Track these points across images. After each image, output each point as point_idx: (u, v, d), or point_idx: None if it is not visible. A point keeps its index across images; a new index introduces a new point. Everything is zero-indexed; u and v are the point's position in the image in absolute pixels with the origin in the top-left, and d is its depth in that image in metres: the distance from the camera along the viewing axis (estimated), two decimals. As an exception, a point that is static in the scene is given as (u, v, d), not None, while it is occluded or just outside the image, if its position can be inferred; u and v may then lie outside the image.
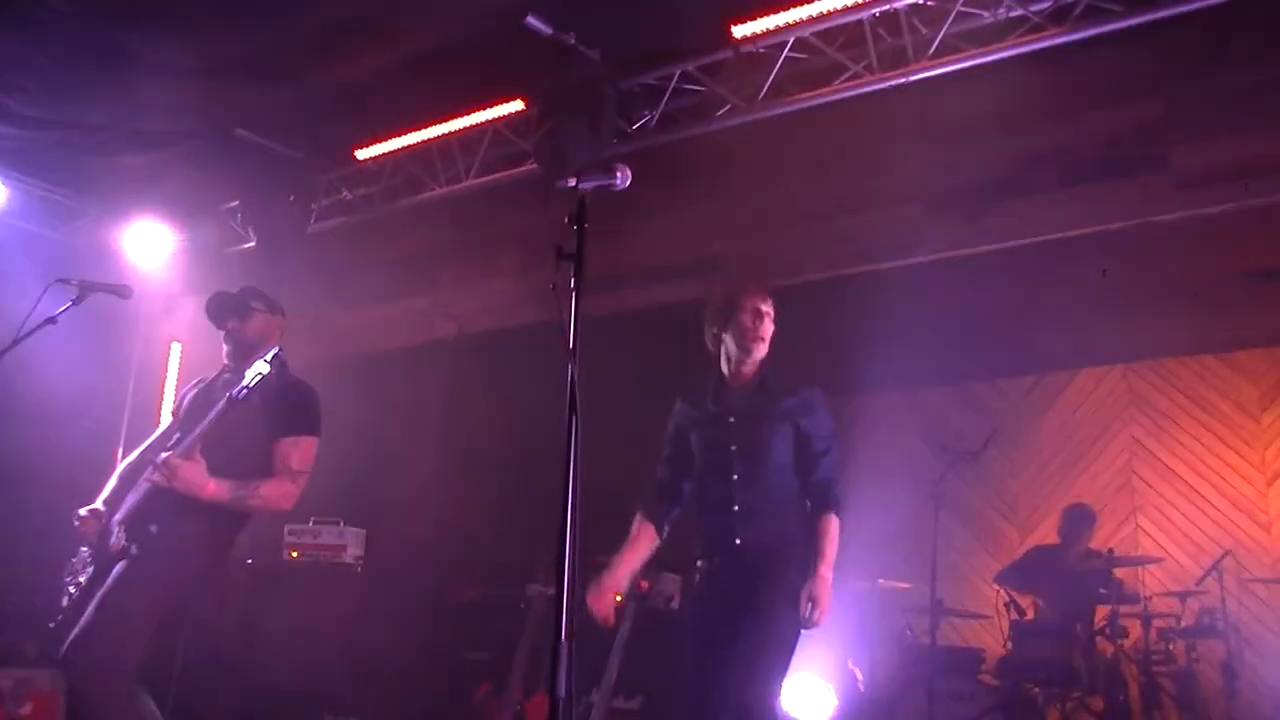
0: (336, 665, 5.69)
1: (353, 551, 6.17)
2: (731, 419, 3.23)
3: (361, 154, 6.40)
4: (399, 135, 6.20)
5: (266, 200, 6.86)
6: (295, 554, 6.16)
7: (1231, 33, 4.48)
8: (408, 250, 7.10)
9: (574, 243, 1.97)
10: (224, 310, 3.56)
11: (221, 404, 3.13)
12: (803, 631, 2.98)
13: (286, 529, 6.21)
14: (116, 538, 3.21)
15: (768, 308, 3.26)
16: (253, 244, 7.10)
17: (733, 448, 3.17)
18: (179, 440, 3.31)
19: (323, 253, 7.13)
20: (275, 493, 3.30)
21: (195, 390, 3.66)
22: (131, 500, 3.32)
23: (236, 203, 7.11)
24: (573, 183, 2.06)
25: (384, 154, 6.39)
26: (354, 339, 7.36)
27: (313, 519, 6.22)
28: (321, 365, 7.39)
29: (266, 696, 5.60)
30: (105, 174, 6.68)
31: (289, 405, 3.40)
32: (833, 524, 3.09)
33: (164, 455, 3.16)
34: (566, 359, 1.87)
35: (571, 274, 1.91)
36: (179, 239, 7.33)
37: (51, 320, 3.57)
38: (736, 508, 3.10)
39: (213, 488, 3.17)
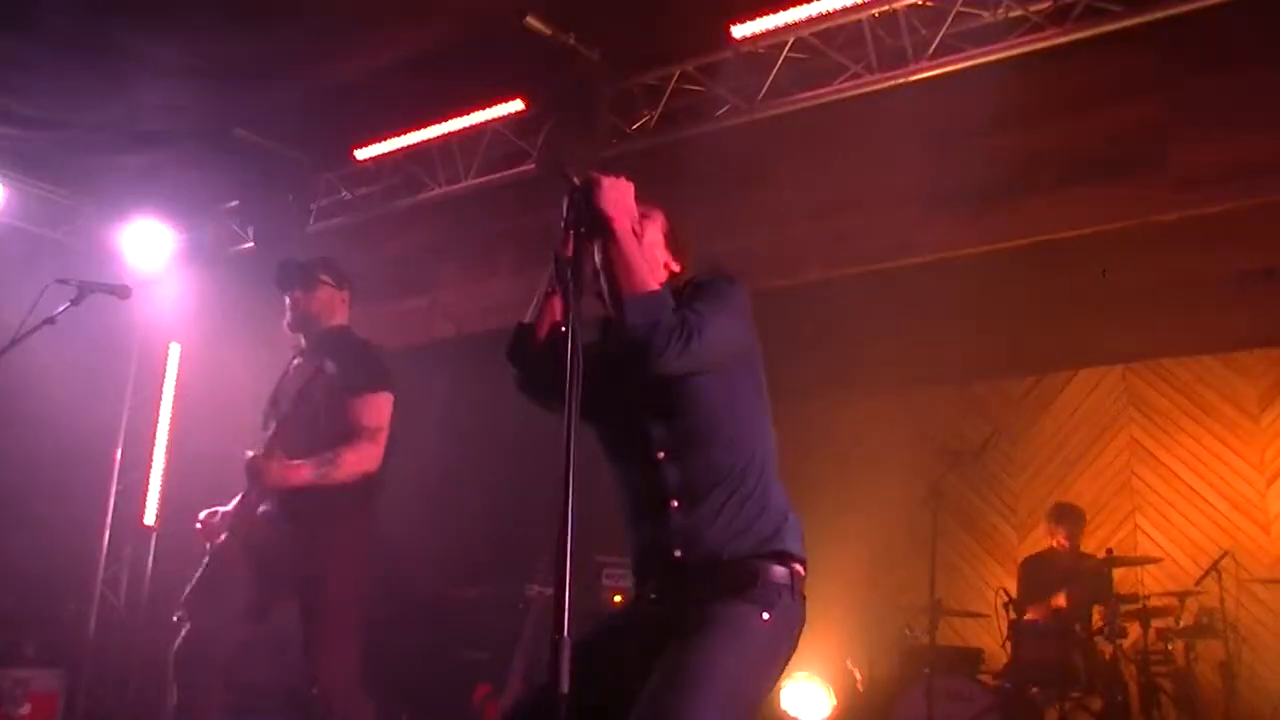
0: (336, 665, 5.68)
1: (352, 551, 6.15)
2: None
3: (361, 154, 6.39)
4: (398, 135, 6.20)
5: (266, 200, 6.86)
6: (295, 554, 6.15)
7: (1231, 33, 4.48)
8: (407, 250, 7.10)
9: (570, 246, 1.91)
10: (291, 279, 3.62)
11: (293, 395, 3.25)
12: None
13: (286, 529, 6.20)
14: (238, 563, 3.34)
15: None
16: (252, 244, 7.10)
17: (644, 405, 2.04)
18: (272, 431, 3.38)
19: (322, 253, 7.12)
20: (356, 457, 3.30)
21: (279, 377, 3.66)
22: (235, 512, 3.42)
23: (236, 203, 7.11)
24: (576, 183, 2.00)
25: (383, 154, 6.39)
26: (353, 339, 7.35)
27: (312, 519, 6.22)
28: (321, 365, 7.41)
29: (266, 696, 5.60)
30: (105, 174, 6.67)
31: (352, 363, 3.44)
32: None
33: (248, 457, 3.24)
34: (569, 362, 1.71)
35: (571, 278, 1.86)
36: (179, 239, 7.33)
37: (50, 320, 3.57)
38: (675, 502, 2.00)
39: (293, 477, 3.22)
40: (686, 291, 2.10)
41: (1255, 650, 5.66)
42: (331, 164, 6.70)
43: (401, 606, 6.24)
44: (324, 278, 3.68)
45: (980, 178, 4.98)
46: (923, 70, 4.85)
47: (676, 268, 2.25)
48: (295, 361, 3.63)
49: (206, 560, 3.40)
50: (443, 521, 6.64)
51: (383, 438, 3.40)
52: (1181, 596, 5.31)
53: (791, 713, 5.75)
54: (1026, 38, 4.63)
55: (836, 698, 5.74)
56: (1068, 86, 4.87)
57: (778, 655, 1.93)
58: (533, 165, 5.90)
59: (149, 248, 7.16)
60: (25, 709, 5.48)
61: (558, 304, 2.00)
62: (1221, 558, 5.45)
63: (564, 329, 1.78)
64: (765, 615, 1.89)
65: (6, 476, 6.16)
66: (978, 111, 4.84)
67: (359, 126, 6.19)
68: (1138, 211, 4.77)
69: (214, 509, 3.49)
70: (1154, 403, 6.44)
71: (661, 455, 2.03)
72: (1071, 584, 5.32)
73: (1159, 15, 4.35)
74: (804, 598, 2.01)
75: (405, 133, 6.18)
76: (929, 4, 4.77)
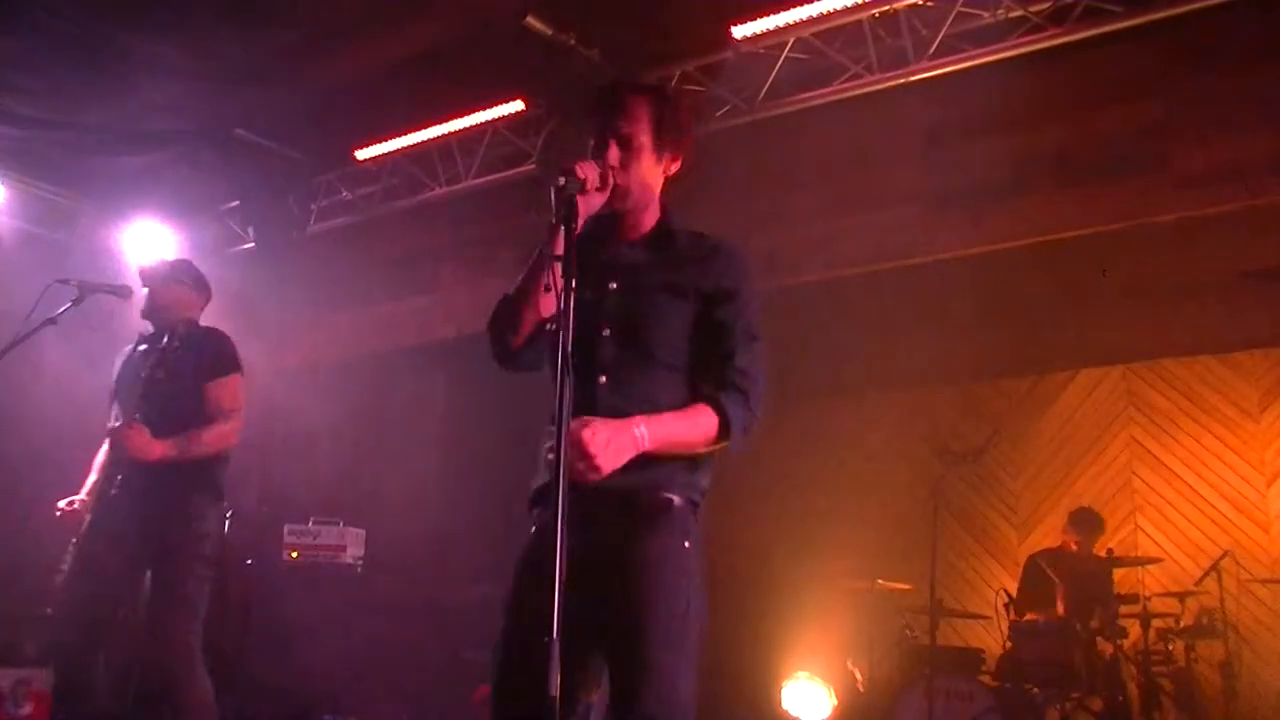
0: (336, 665, 5.69)
1: (353, 551, 6.16)
2: (614, 284, 2.13)
3: (361, 154, 6.40)
4: (399, 135, 6.20)
5: (266, 200, 6.86)
6: (295, 554, 6.16)
7: (1231, 33, 4.48)
8: (407, 250, 7.10)
9: (562, 243, 1.87)
10: (149, 274, 3.79)
11: (144, 375, 3.44)
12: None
13: (286, 529, 6.21)
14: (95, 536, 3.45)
15: (628, 124, 2.12)
16: (252, 244, 7.10)
17: (605, 331, 2.08)
18: (119, 412, 3.57)
19: (322, 253, 7.13)
20: (215, 435, 3.54)
21: (122, 361, 3.82)
22: (95, 482, 3.60)
23: (236, 203, 7.11)
24: (561, 182, 1.91)
25: (384, 154, 6.39)
26: (354, 339, 7.35)
27: (313, 519, 6.22)
28: (321, 365, 7.42)
29: (266, 696, 5.60)
30: (105, 174, 6.68)
31: (206, 351, 3.64)
32: (706, 414, 2.02)
33: (110, 428, 3.45)
34: (561, 361, 1.75)
35: (562, 274, 1.85)
36: (179, 239, 7.33)
37: (51, 321, 3.58)
38: None
39: (158, 449, 3.39)
40: (703, 254, 2.16)
41: (1256, 650, 5.65)
42: (332, 164, 6.70)
43: (402, 606, 6.25)
44: (181, 277, 3.84)
45: (980, 178, 4.99)
46: (923, 70, 4.85)
47: (675, 167, 2.22)
48: (141, 348, 3.74)
49: (73, 550, 3.51)
50: (443, 521, 6.65)
51: (238, 418, 3.62)
52: (1182, 596, 5.31)
53: (792, 713, 5.75)
54: (1026, 38, 4.63)
55: (837, 698, 5.74)
56: (1068, 86, 4.87)
57: (702, 574, 2.05)
58: (533, 165, 5.90)
59: (149, 248, 7.16)
60: (26, 709, 5.48)
61: (549, 299, 1.99)
62: (1222, 558, 5.45)
63: (556, 326, 1.78)
64: (687, 544, 2.03)
65: (8, 476, 6.16)
66: (978, 111, 4.84)
67: (359, 126, 6.19)
68: (1138, 211, 4.77)
69: (72, 498, 3.58)
70: (1154, 403, 6.44)
71: (603, 379, 2.07)
72: (1073, 586, 5.31)
73: (1159, 15, 4.35)
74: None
75: (405, 133, 6.18)
76: (929, 4, 4.77)
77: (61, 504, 3.57)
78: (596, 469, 1.85)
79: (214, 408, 3.57)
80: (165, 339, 3.53)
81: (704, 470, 2.13)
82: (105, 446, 3.73)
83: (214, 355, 3.64)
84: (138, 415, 3.41)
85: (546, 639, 1.58)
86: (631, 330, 2.09)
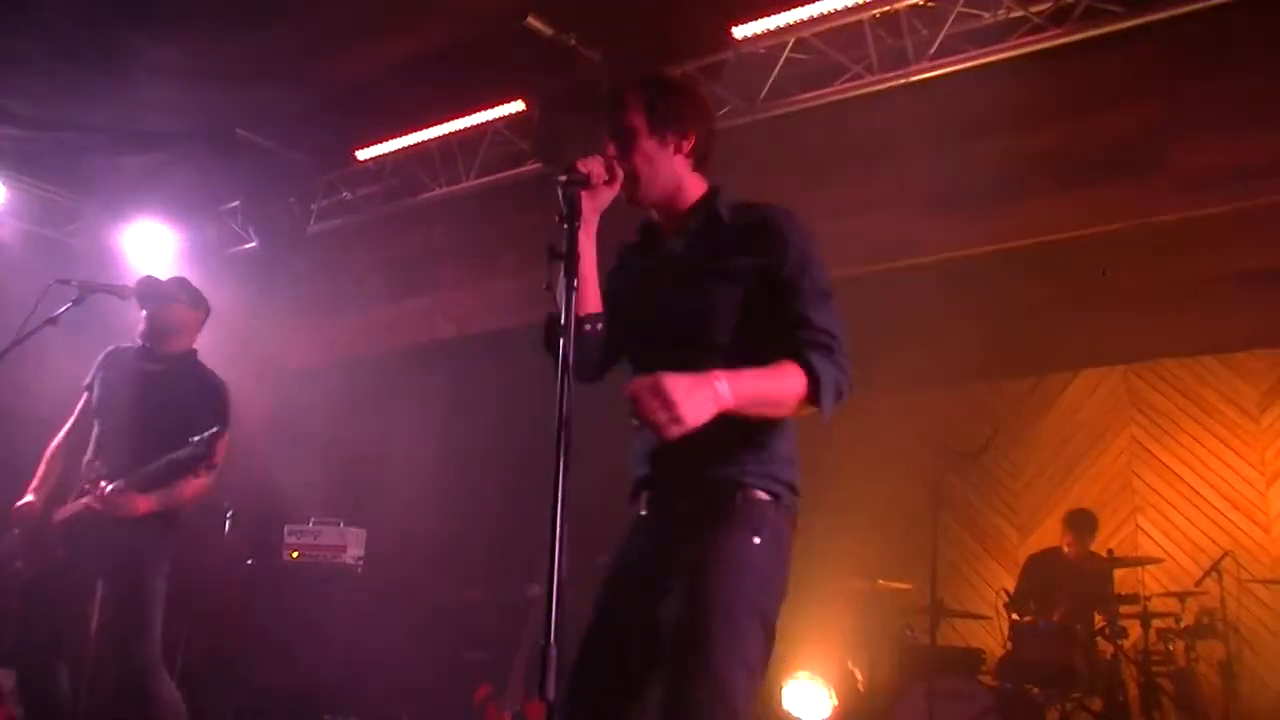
0: (336, 665, 5.69)
1: (353, 551, 6.16)
2: (667, 276, 2.11)
3: (361, 154, 6.40)
4: (399, 135, 6.20)
5: (266, 200, 6.86)
6: (295, 554, 6.16)
7: (1232, 33, 4.48)
8: (408, 251, 7.10)
9: (565, 242, 1.86)
10: (147, 295, 3.76)
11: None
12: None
13: (286, 529, 6.21)
14: (57, 547, 3.56)
15: (619, 115, 2.16)
16: (253, 244, 7.10)
17: (668, 325, 2.08)
18: (105, 431, 3.63)
19: (323, 253, 7.13)
20: (194, 489, 3.62)
21: (110, 369, 3.81)
22: (71, 512, 3.60)
23: (236, 203, 7.11)
24: (563, 179, 1.91)
25: (384, 154, 6.39)
26: (354, 339, 7.35)
27: (313, 519, 6.22)
28: (322, 366, 7.42)
29: (266, 696, 5.60)
30: (105, 174, 6.68)
31: (205, 401, 3.67)
32: (792, 370, 1.90)
33: (105, 489, 3.45)
34: (560, 360, 1.75)
35: (563, 273, 1.85)
36: (179, 239, 7.34)
37: (52, 321, 3.58)
38: None
39: (143, 506, 3.47)
40: (751, 232, 2.06)
41: (1256, 650, 5.66)
42: (332, 164, 6.70)
43: (402, 606, 6.25)
44: (179, 297, 3.80)
45: (981, 178, 4.98)
46: (923, 71, 4.85)
47: (689, 144, 2.14)
48: (145, 365, 3.73)
49: (30, 548, 3.58)
50: (443, 522, 6.64)
51: (216, 472, 3.66)
52: (1182, 597, 5.31)
53: (793, 713, 5.75)
54: (1027, 38, 4.64)
55: (838, 698, 5.73)
56: (1068, 87, 4.87)
57: (776, 574, 1.97)
58: (534, 165, 5.90)
59: (150, 248, 7.16)
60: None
61: (584, 295, 2.00)
62: (1222, 558, 5.45)
63: (562, 324, 1.79)
64: (756, 539, 1.93)
65: (7, 477, 6.15)
66: (979, 112, 4.84)
67: (360, 127, 6.19)
68: (1138, 212, 4.77)
69: (29, 499, 3.65)
70: (1155, 403, 6.44)
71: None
72: (1071, 589, 5.32)
73: (1159, 15, 4.36)
74: (793, 518, 2.05)
75: (406, 133, 6.18)
76: (930, 4, 4.77)
77: (20, 504, 3.64)
78: (679, 419, 1.69)
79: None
80: (165, 384, 3.60)
81: (779, 460, 2.03)
82: (57, 443, 3.84)
83: (210, 410, 3.62)
84: (121, 480, 3.45)
85: (544, 645, 1.57)
86: (691, 322, 2.02)
